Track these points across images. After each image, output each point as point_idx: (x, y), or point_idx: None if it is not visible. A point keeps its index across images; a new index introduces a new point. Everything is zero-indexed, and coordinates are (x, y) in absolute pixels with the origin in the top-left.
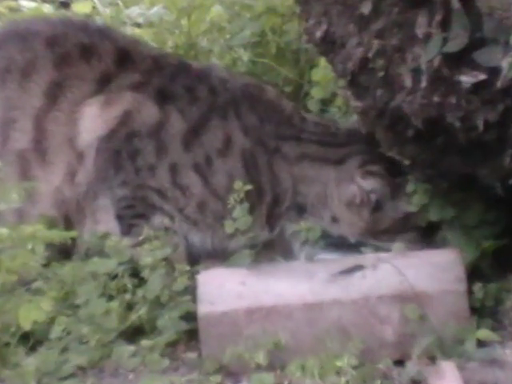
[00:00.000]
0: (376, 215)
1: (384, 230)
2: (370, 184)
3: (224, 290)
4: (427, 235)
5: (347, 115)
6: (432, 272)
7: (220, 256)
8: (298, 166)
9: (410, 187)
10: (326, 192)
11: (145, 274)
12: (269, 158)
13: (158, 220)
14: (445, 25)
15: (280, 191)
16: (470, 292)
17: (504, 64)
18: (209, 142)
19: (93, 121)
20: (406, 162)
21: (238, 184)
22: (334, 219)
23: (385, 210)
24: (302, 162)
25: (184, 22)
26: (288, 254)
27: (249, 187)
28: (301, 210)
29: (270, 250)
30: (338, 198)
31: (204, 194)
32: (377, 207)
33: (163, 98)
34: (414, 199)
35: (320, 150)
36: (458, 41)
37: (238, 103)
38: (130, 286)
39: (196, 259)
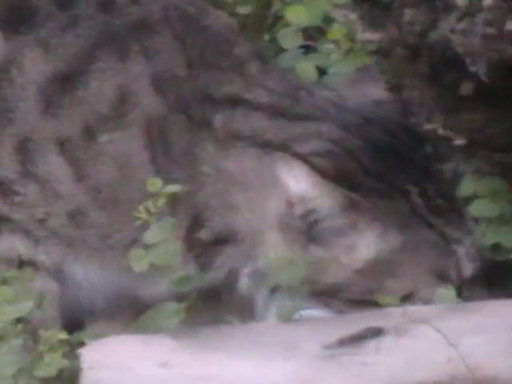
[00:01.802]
0: (314, 251)
1: (333, 288)
2: (303, 186)
3: (132, 376)
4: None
5: (351, 57)
6: (507, 340)
7: (123, 310)
8: (227, 155)
9: (465, 187)
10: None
11: None
12: (191, 137)
13: (5, 243)
14: None
15: (203, 200)
16: None
17: None
18: (89, 101)
19: None
20: (459, 141)
21: (153, 183)
22: (267, 257)
23: (332, 244)
24: (233, 147)
25: None
26: (246, 309)
27: (176, 188)
28: (228, 239)
29: (214, 302)
30: (268, 219)
31: (78, 194)
32: (315, 235)
33: (11, 21)
34: (475, 207)
35: (263, 125)
36: None
37: (150, 32)
38: None
39: (80, 316)
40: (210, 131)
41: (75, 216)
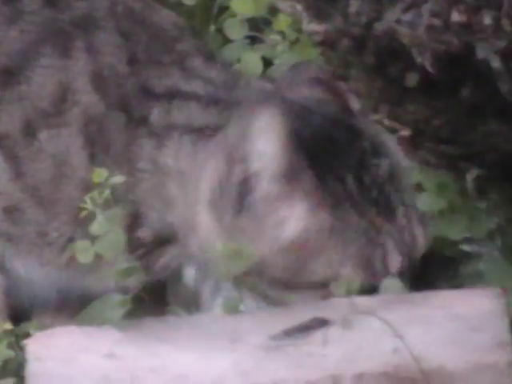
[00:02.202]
0: (242, 224)
1: (256, 266)
2: (262, 141)
3: (77, 367)
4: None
5: (297, 48)
6: (453, 331)
7: (71, 302)
8: (162, 147)
9: (414, 177)
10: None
11: None
12: (129, 135)
13: None
14: None
15: (140, 196)
16: None
17: None
18: (31, 98)
19: None
20: (405, 132)
21: (98, 174)
22: (202, 247)
23: (262, 215)
24: (168, 139)
25: None
26: (192, 301)
27: (121, 179)
28: (168, 239)
29: (161, 294)
30: (200, 200)
31: (14, 192)
32: (246, 205)
33: None
34: (421, 200)
35: (197, 113)
36: None
37: (95, 27)
38: None
39: (28, 308)
40: (146, 127)
41: (12, 212)
